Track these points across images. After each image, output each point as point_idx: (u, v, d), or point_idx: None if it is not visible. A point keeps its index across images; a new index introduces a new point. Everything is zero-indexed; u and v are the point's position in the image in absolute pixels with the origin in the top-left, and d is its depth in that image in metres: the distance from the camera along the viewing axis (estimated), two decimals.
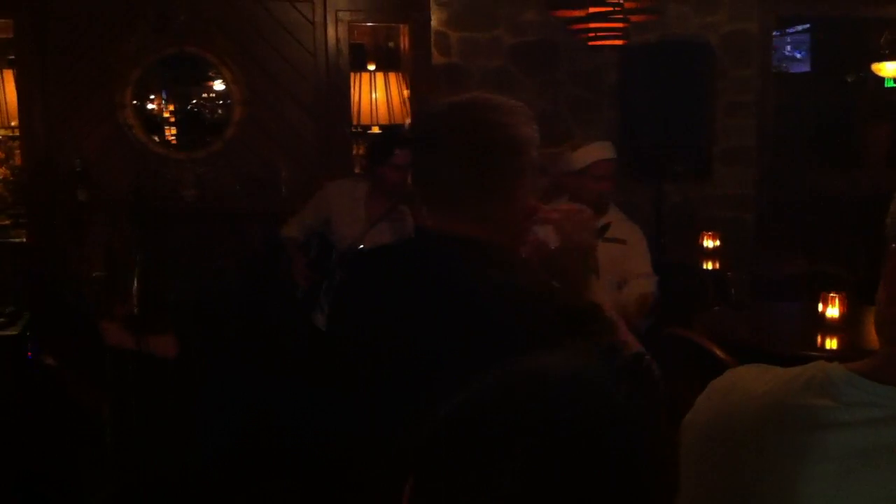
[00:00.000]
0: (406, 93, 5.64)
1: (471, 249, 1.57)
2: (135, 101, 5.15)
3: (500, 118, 1.59)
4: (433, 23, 5.51)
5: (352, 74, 5.48)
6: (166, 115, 5.34)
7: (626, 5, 4.20)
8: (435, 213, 1.63)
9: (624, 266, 3.78)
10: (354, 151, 5.52)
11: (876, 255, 1.05)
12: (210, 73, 5.32)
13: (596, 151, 3.82)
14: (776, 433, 1.01)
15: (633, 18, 4.35)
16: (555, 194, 3.78)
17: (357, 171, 5.07)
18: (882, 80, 7.77)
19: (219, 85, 5.31)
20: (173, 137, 5.32)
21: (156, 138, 5.25)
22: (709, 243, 5.08)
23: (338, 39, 5.25)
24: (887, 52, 6.82)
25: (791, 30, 8.52)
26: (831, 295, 3.40)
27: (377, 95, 5.60)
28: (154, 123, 5.29)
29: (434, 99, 5.44)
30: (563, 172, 3.82)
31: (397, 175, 3.99)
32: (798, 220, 6.85)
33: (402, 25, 5.55)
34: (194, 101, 5.41)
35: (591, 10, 4.20)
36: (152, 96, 5.31)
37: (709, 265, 4.94)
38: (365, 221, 4.05)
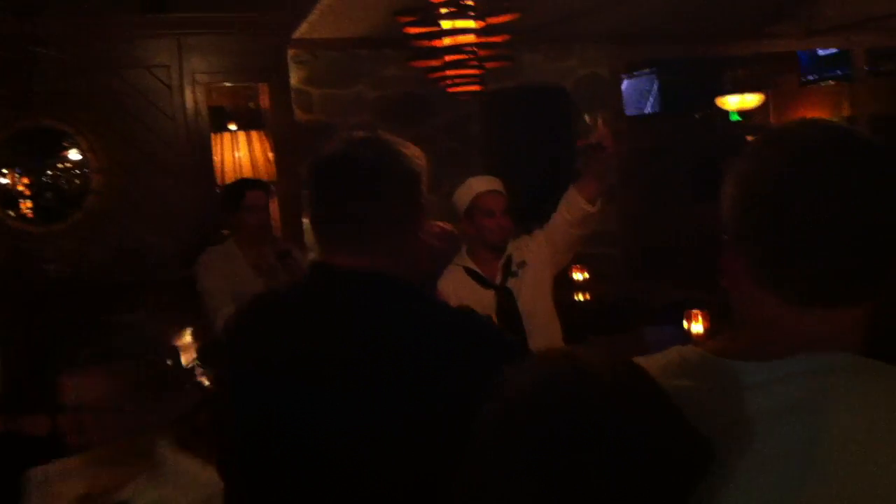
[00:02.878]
0: (270, 151, 5.63)
1: (386, 284, 1.57)
2: None
3: (402, 151, 1.62)
4: (293, 81, 5.54)
5: (213, 136, 5.43)
6: (21, 188, 5.16)
7: (481, 53, 4.30)
8: (339, 249, 1.61)
9: (542, 259, 3.54)
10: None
11: None
12: (65, 143, 5.18)
13: (476, 185, 3.59)
14: None
15: (489, 65, 4.46)
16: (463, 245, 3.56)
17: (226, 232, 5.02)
18: (727, 114, 8.20)
19: (74, 154, 5.17)
20: (30, 211, 5.14)
21: (11, 213, 5.06)
22: (578, 276, 5.24)
23: (196, 102, 5.20)
24: (729, 86, 7.21)
25: (639, 73, 8.91)
26: (694, 312, 3.55)
27: (241, 155, 5.57)
28: (9, 198, 5.11)
29: (304, 153, 5.45)
30: (460, 221, 3.53)
31: (253, 217, 4.02)
32: (664, 252, 7.10)
33: (261, 85, 5.55)
34: (49, 173, 5.25)
35: (447, 58, 4.29)
36: (5, 171, 5.13)
37: (580, 297, 5.09)
38: (253, 274, 4.01)
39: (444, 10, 4.03)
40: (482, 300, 3.36)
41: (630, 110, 8.79)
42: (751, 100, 7.56)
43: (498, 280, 3.48)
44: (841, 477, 0.91)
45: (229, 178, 5.49)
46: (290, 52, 5.54)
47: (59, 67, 4.94)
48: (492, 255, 3.52)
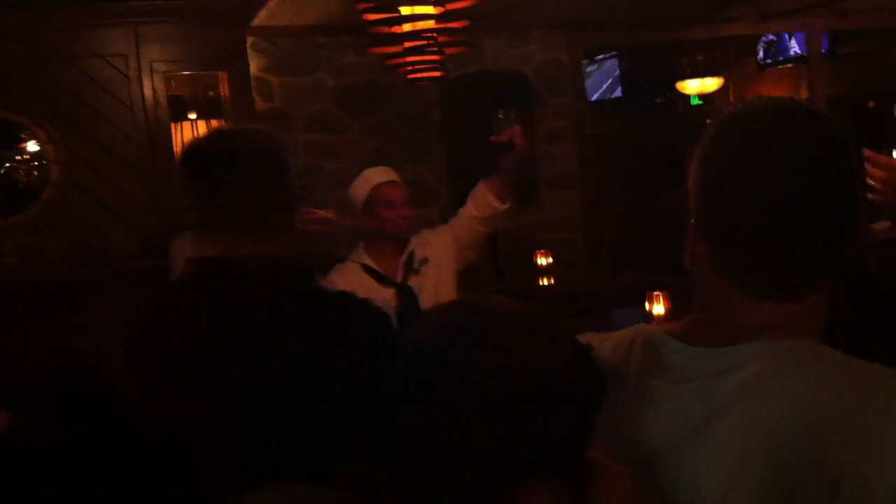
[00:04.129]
0: None
1: (286, 268, 1.64)
2: None
3: (279, 142, 1.71)
4: (252, 69, 5.51)
5: (173, 125, 5.38)
6: None
7: (441, 39, 4.30)
8: (235, 238, 1.65)
9: (446, 255, 3.43)
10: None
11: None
12: (22, 135, 5.11)
13: (372, 176, 3.42)
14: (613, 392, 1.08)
15: (449, 51, 4.46)
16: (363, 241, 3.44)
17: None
18: (688, 98, 8.26)
19: (32, 146, 5.11)
20: None
21: None
22: (542, 261, 5.26)
23: (154, 91, 5.15)
24: (689, 70, 7.28)
25: (601, 59, 8.95)
26: (656, 294, 3.57)
27: None
28: None
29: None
30: (357, 215, 3.40)
31: None
32: (626, 237, 7.15)
33: (220, 73, 5.51)
34: (7, 165, 5.18)
35: (407, 45, 4.28)
36: None
37: (544, 281, 5.11)
38: None
39: None
40: (381, 298, 3.13)
41: (595, 96, 8.84)
42: (710, 84, 7.64)
43: (399, 277, 3.32)
44: (789, 451, 0.92)
45: None
46: (249, 40, 5.51)
47: (13, 58, 4.88)
48: (393, 251, 3.37)
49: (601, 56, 8.80)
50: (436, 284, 3.33)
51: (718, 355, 1.03)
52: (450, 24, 4.19)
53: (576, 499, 0.95)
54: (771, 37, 8.13)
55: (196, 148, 1.71)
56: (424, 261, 3.35)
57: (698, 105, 8.54)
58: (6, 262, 4.87)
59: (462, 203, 3.43)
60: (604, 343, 1.16)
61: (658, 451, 1.04)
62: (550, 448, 0.93)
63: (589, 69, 8.59)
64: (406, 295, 3.25)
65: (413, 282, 3.29)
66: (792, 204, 1.00)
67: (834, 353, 1.00)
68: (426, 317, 1.05)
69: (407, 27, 4.14)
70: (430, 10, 4.05)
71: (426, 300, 3.25)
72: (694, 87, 7.48)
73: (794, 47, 8.03)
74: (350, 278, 3.26)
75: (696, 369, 1.04)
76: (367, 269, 3.32)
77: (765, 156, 1.01)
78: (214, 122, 5.64)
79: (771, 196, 1.00)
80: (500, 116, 3.24)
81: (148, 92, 5.14)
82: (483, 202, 3.31)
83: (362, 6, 4.14)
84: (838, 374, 0.97)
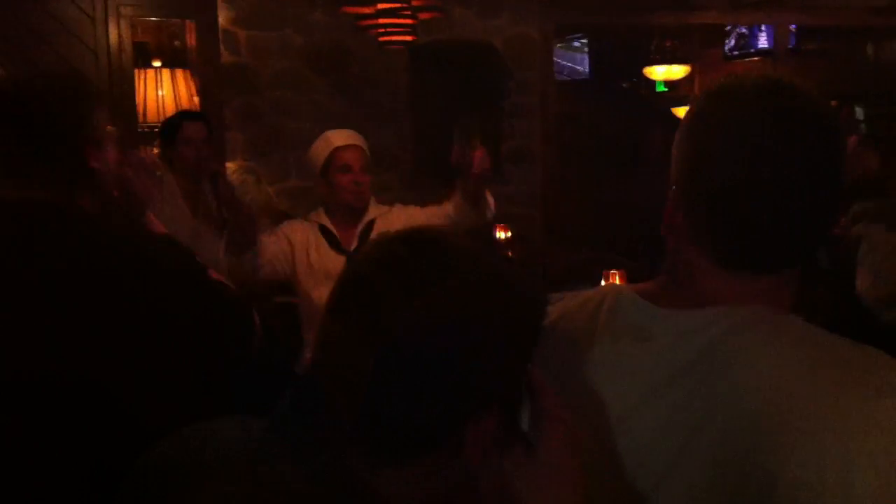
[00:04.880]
0: (194, 92, 5.52)
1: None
2: None
3: (61, 80, 1.78)
4: (221, 21, 5.43)
5: (136, 72, 5.29)
6: None
7: (414, 3, 4.27)
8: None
9: None
10: (143, 152, 5.33)
11: (653, 246, 1.16)
12: None
13: (333, 139, 3.29)
14: (577, 350, 1.10)
15: (421, 16, 4.44)
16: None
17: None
18: (654, 84, 8.32)
19: None
20: None
21: None
22: (501, 234, 5.29)
23: (120, 36, 5.05)
24: (657, 56, 7.32)
25: (570, 38, 8.95)
26: (612, 272, 3.61)
27: (164, 93, 5.45)
28: None
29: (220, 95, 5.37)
30: (313, 180, 3.37)
31: (191, 150, 3.91)
32: (584, 216, 7.20)
33: (188, 22, 5.42)
34: None
35: (380, 6, 4.25)
36: None
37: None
38: (188, 214, 3.92)
39: None
40: (332, 264, 3.16)
41: (565, 76, 8.86)
42: (677, 71, 7.69)
43: (353, 247, 3.24)
44: (736, 424, 0.93)
45: (151, 116, 5.36)
46: None
47: None
48: (349, 219, 3.28)
49: (573, 36, 8.81)
50: None
51: (683, 317, 1.03)
52: None
53: (517, 436, 0.95)
54: (743, 29, 8.19)
55: None
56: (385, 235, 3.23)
57: (663, 91, 8.59)
58: None
59: (422, 171, 3.38)
60: (573, 299, 1.17)
61: (616, 414, 1.04)
62: (483, 378, 0.92)
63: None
64: None
65: None
66: (779, 178, 1.00)
67: (799, 325, 1.02)
68: (365, 247, 1.05)
69: None
70: None
71: None
72: (661, 73, 7.53)
73: (762, 41, 8.10)
74: (305, 234, 3.25)
75: (660, 330, 1.04)
76: (324, 231, 3.27)
77: (754, 129, 1.01)
78: (179, 72, 5.55)
79: (757, 168, 1.00)
80: (462, 127, 3.20)
81: (113, 37, 5.04)
82: (462, 210, 3.26)
83: None
84: (799, 349, 0.97)
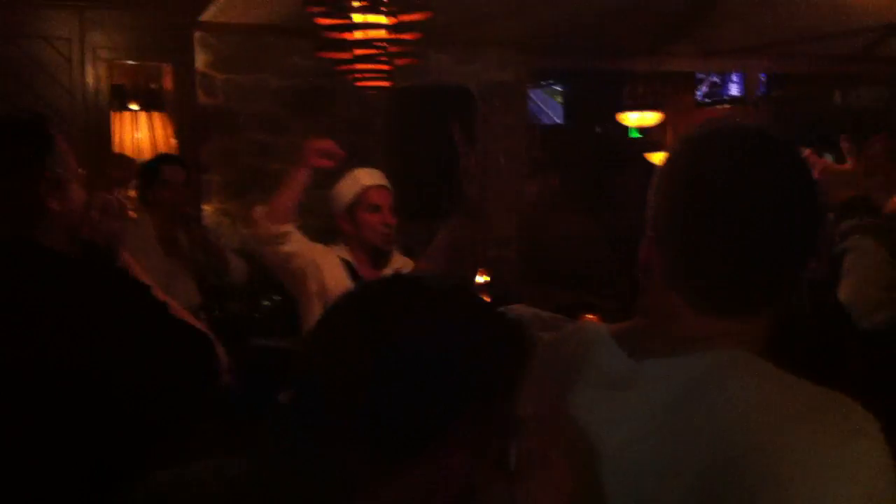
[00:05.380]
0: (171, 135, 5.53)
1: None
2: None
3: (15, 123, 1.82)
4: (198, 64, 5.45)
5: (113, 114, 5.30)
6: None
7: (390, 49, 4.31)
8: None
9: None
10: (113, 193, 5.32)
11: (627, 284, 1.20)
12: None
13: (363, 177, 3.27)
14: (557, 391, 1.12)
15: (398, 62, 4.48)
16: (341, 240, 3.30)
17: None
18: (626, 130, 8.41)
19: None
20: None
21: None
22: (480, 278, 5.29)
23: (97, 78, 5.07)
24: (629, 102, 7.39)
25: (545, 83, 9.07)
26: (588, 316, 3.64)
27: (141, 136, 5.45)
28: None
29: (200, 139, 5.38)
30: (336, 216, 3.27)
31: (168, 192, 3.93)
32: (559, 258, 7.23)
33: (164, 66, 5.45)
34: None
35: (357, 52, 4.28)
36: None
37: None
38: (163, 254, 3.90)
39: (356, 4, 4.03)
40: None
41: (540, 120, 8.95)
42: (650, 118, 7.76)
43: None
44: (714, 458, 0.95)
45: None
46: (197, 34, 5.46)
47: None
48: (370, 262, 3.22)
49: (547, 81, 8.92)
50: None
51: (661, 365, 1.05)
52: (402, 36, 4.21)
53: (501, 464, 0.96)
54: (715, 78, 8.33)
55: None
56: None
57: (636, 137, 8.68)
58: None
59: (402, 213, 3.34)
60: (543, 322, 1.20)
61: (598, 457, 1.05)
62: (462, 396, 0.93)
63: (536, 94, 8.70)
64: None
65: None
66: (757, 223, 1.02)
67: (772, 370, 1.03)
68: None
69: (358, 34, 4.14)
70: (382, 19, 4.07)
71: None
72: (634, 119, 7.60)
73: (733, 88, 8.24)
74: (330, 262, 3.15)
75: (637, 377, 1.06)
76: (348, 266, 3.18)
77: (733, 175, 1.03)
78: (156, 114, 5.56)
79: (736, 214, 1.02)
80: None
81: (90, 79, 5.05)
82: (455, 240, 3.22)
83: (314, 9, 4.14)
84: (774, 393, 0.99)
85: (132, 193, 4.51)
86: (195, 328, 1.96)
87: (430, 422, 0.92)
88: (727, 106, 8.42)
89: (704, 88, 8.63)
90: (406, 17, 4.13)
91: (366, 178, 3.27)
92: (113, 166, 4.03)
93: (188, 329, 1.92)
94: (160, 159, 4.22)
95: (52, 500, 1.61)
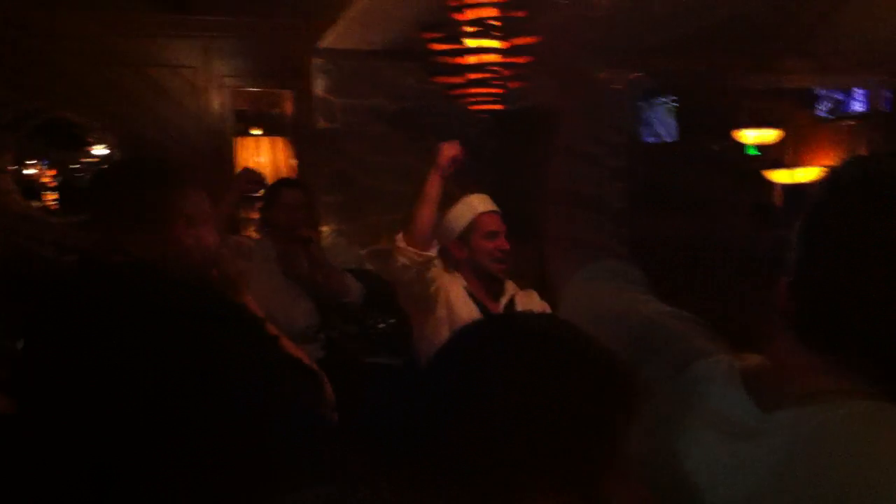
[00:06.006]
0: (291, 158, 5.70)
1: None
2: (13, 167, 5.05)
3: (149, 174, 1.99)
4: (316, 89, 5.62)
5: (236, 139, 5.50)
6: (45, 180, 5.25)
7: (503, 72, 4.35)
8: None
9: None
10: (243, 214, 5.52)
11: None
12: (89, 139, 5.27)
13: (476, 203, 3.26)
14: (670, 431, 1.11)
15: (511, 85, 4.52)
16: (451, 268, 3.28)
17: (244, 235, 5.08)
18: (743, 147, 8.24)
19: (101, 150, 5.26)
20: (53, 203, 5.23)
21: (35, 203, 5.15)
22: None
23: (222, 104, 5.28)
24: (746, 119, 7.25)
25: (659, 101, 8.96)
26: None
27: (262, 160, 5.64)
28: (34, 189, 5.20)
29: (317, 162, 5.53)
30: (448, 245, 3.25)
31: (286, 215, 4.03)
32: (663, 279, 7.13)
33: (285, 92, 5.63)
34: (71, 167, 5.34)
35: (470, 76, 4.34)
36: (31, 161, 5.23)
37: None
38: (283, 276, 3.98)
39: (469, 29, 4.09)
40: None
41: (648, 137, 8.85)
42: (769, 135, 7.60)
43: None
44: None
45: None
46: (315, 61, 5.63)
47: (84, 60, 5.01)
48: (489, 287, 3.21)
49: (658, 100, 8.81)
50: None
51: (789, 417, 1.00)
52: (514, 59, 4.25)
53: None
54: (838, 95, 8.08)
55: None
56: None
57: (755, 155, 8.49)
58: (68, 260, 5.00)
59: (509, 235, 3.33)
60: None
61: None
62: (558, 458, 0.94)
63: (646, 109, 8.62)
64: None
65: None
66: None
67: None
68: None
69: (472, 59, 4.20)
70: (495, 44, 4.12)
71: None
72: (752, 136, 7.45)
73: (856, 105, 7.98)
74: (457, 295, 3.15)
75: (764, 427, 1.01)
76: (473, 297, 3.17)
77: (873, 226, 0.94)
78: (278, 139, 5.75)
79: (875, 272, 0.94)
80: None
81: (215, 105, 5.27)
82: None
83: (428, 35, 4.22)
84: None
85: (255, 216, 4.68)
86: (305, 363, 2.03)
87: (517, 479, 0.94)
88: (851, 122, 8.15)
89: (827, 104, 8.39)
90: (518, 41, 4.17)
91: (480, 204, 3.27)
92: (244, 180, 4.15)
93: (298, 364, 2.00)
94: (281, 183, 4.35)
95: None
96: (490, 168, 6.04)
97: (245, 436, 1.72)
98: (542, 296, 3.33)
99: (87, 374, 1.71)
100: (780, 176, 7.46)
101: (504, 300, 3.22)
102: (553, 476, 0.93)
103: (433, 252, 3.10)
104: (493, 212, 3.25)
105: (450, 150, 3.23)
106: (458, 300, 3.14)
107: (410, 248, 3.05)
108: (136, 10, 5.10)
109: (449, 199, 3.34)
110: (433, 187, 3.17)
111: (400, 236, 3.12)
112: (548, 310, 3.18)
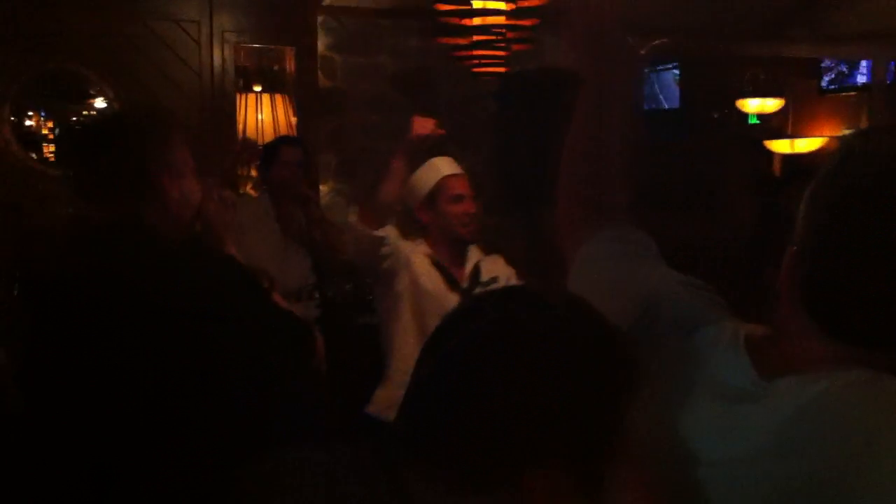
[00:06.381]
0: (292, 115, 5.68)
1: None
2: (12, 118, 5.02)
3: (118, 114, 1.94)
4: (319, 47, 5.58)
5: (238, 95, 5.47)
6: (45, 131, 5.22)
7: (508, 35, 4.34)
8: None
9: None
10: (241, 173, 5.50)
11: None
12: (91, 91, 5.23)
13: (440, 166, 3.16)
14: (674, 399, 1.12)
15: (515, 47, 4.51)
16: (416, 234, 3.22)
17: (242, 192, 5.07)
18: (745, 116, 8.23)
19: (101, 103, 5.22)
20: (52, 154, 5.20)
21: (34, 155, 5.12)
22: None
23: (224, 60, 5.24)
24: (750, 88, 7.23)
25: (662, 68, 8.91)
26: None
27: (263, 117, 5.62)
28: (33, 141, 5.16)
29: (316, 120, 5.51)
30: (414, 208, 3.18)
31: (285, 172, 4.02)
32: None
33: (287, 48, 5.59)
34: (74, 119, 5.31)
35: (475, 38, 4.33)
36: (30, 113, 5.19)
37: None
38: (280, 234, 3.99)
39: None
40: (445, 301, 2.92)
41: (652, 104, 8.81)
42: (771, 104, 7.58)
43: (465, 285, 3.06)
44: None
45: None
46: (319, 18, 5.58)
47: (85, 12, 4.96)
48: (455, 253, 3.14)
49: (661, 66, 8.77)
50: None
51: (787, 383, 1.01)
52: (520, 22, 4.23)
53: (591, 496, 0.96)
54: (843, 67, 8.04)
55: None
56: (493, 280, 3.08)
57: (755, 124, 8.47)
58: (67, 212, 4.98)
59: (505, 197, 3.32)
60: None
61: (707, 467, 1.04)
62: (565, 434, 0.93)
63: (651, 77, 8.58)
64: None
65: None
66: None
67: None
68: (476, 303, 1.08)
69: (477, 21, 4.19)
70: (501, 5, 4.11)
71: None
72: (754, 105, 7.43)
73: (860, 77, 7.95)
74: (420, 265, 3.07)
75: (762, 393, 1.03)
76: (438, 266, 3.11)
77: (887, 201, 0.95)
78: (278, 96, 5.72)
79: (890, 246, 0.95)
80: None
81: (217, 60, 5.23)
82: None
83: None
84: None
85: (253, 172, 4.67)
86: (295, 315, 2.04)
87: (491, 466, 0.93)
88: (852, 93, 8.13)
89: (831, 76, 8.35)
90: (525, 3, 4.15)
91: (445, 166, 3.17)
92: (241, 148, 4.15)
93: (288, 316, 2.00)
94: (280, 140, 4.34)
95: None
96: (480, 131, 6.02)
97: (237, 389, 1.74)
98: (524, 265, 3.30)
99: (84, 340, 1.73)
100: (780, 146, 7.45)
101: (469, 266, 3.16)
102: (554, 456, 0.93)
103: (384, 231, 2.99)
104: (458, 174, 3.16)
105: (421, 127, 3.05)
106: (420, 269, 3.07)
107: (360, 226, 2.96)
108: None
109: None
110: (398, 163, 3.02)
111: (355, 210, 3.03)
112: (514, 275, 3.18)
